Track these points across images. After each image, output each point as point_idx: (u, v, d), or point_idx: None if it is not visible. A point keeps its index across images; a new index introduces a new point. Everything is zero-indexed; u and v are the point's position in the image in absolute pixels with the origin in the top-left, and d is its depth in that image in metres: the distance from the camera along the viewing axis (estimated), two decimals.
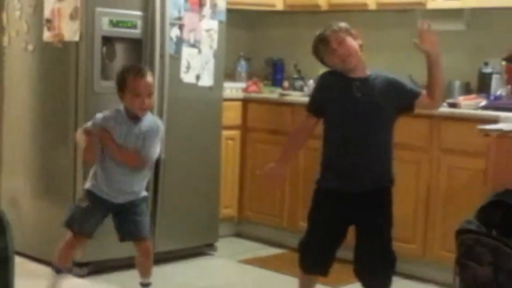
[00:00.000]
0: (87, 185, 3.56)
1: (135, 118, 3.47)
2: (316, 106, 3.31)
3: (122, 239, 3.58)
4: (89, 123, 3.52)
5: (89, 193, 3.53)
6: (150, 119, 3.56)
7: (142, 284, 3.59)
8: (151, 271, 3.60)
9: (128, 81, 3.45)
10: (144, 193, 3.64)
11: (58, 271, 3.53)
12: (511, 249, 2.52)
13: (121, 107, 3.50)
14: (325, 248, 3.38)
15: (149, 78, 3.49)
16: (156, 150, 3.57)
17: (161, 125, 3.63)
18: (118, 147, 3.44)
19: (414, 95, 3.24)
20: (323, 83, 3.37)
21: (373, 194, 3.25)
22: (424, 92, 3.22)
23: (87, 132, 3.45)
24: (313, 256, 3.44)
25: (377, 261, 3.27)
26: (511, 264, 2.53)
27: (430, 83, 3.21)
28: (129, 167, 3.48)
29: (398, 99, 3.23)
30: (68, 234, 3.52)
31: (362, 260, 3.28)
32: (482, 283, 2.62)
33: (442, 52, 3.19)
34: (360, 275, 3.28)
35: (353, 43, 3.27)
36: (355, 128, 3.22)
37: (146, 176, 3.62)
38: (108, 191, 3.49)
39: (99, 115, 3.50)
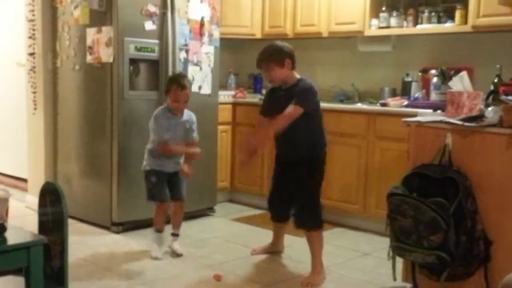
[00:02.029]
0: (146, 168, 3.59)
1: (176, 113, 3.56)
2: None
3: (172, 198, 3.62)
4: (151, 136, 3.58)
5: (151, 171, 3.56)
6: (186, 113, 3.62)
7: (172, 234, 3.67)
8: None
9: (171, 89, 3.50)
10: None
11: (158, 231, 3.60)
12: (426, 206, 2.53)
13: (165, 104, 3.61)
14: (278, 200, 3.43)
15: (187, 90, 3.53)
16: (196, 133, 3.66)
17: (194, 117, 3.67)
18: (182, 148, 3.56)
19: (302, 98, 3.13)
20: (266, 95, 3.47)
21: (296, 162, 3.24)
22: (294, 107, 3.10)
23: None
24: (273, 207, 3.49)
25: (301, 210, 3.27)
26: (426, 217, 2.54)
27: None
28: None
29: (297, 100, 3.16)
30: (155, 205, 3.59)
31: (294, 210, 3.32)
32: (406, 231, 2.63)
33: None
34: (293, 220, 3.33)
35: (277, 73, 3.17)
36: None
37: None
38: (163, 162, 3.53)
39: (154, 125, 3.54)
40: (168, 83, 3.61)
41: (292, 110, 3.11)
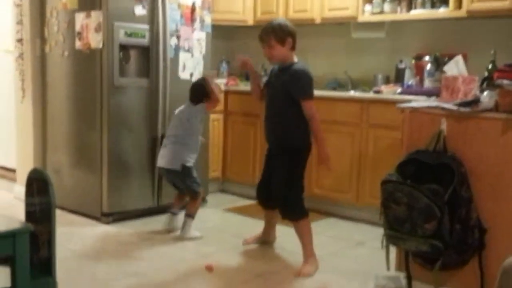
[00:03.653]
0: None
1: None
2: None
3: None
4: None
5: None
6: None
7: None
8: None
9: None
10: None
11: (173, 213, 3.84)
12: (420, 193, 2.50)
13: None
14: (264, 189, 3.39)
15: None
16: None
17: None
18: None
19: (298, 96, 3.12)
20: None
21: (278, 152, 3.23)
22: (304, 102, 3.11)
23: None
24: (260, 195, 3.47)
25: (282, 201, 3.24)
26: (420, 204, 2.50)
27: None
28: None
29: (291, 90, 3.14)
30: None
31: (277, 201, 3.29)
32: (400, 219, 2.60)
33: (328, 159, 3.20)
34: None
35: (276, 50, 3.12)
36: (268, 104, 3.27)
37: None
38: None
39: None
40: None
41: (310, 110, 3.11)
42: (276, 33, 3.12)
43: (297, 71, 3.14)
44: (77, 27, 4.01)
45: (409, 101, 3.48)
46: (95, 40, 3.89)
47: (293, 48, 3.18)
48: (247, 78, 5.27)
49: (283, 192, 3.20)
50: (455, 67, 2.82)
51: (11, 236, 2.00)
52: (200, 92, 3.74)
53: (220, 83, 4.99)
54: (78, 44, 4.03)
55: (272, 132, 3.26)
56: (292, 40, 3.15)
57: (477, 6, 3.78)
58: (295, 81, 3.12)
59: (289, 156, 3.19)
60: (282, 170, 3.20)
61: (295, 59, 3.21)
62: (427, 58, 4.12)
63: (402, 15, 4.24)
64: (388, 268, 2.82)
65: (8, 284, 2.02)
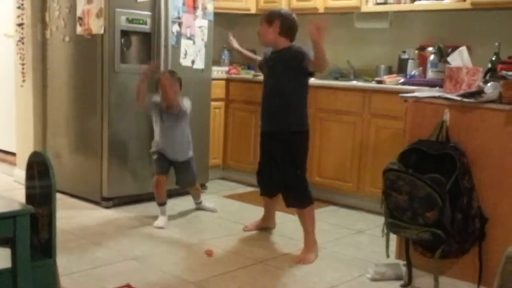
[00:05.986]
0: (153, 147, 3.77)
1: None
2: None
3: (177, 183, 3.89)
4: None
5: (155, 152, 3.74)
6: None
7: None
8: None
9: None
10: (189, 155, 3.80)
11: (160, 204, 3.71)
12: (422, 182, 2.49)
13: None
14: (266, 174, 3.38)
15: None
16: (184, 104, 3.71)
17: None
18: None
19: (305, 62, 3.07)
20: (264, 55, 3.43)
21: (280, 135, 3.20)
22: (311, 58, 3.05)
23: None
24: (260, 181, 3.47)
25: (286, 187, 3.24)
26: (422, 193, 2.50)
27: (314, 55, 3.02)
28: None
29: (297, 63, 3.11)
30: (154, 178, 3.74)
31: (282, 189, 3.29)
32: (401, 208, 2.59)
33: (323, 39, 2.93)
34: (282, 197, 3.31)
35: (263, 30, 3.17)
36: (268, 87, 3.26)
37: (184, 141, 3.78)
38: (165, 150, 3.71)
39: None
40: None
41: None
42: (266, 14, 3.22)
43: (297, 49, 3.15)
44: (78, 13, 3.98)
45: (412, 91, 3.47)
46: (96, 26, 3.86)
47: (283, 34, 3.14)
48: (249, 67, 5.25)
49: (290, 180, 3.20)
50: (459, 58, 2.80)
51: (11, 217, 1.99)
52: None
53: (222, 70, 4.98)
54: (79, 29, 4.00)
55: (273, 116, 3.23)
56: (281, 25, 3.13)
57: None
58: (299, 55, 3.10)
59: (295, 142, 3.19)
60: (290, 156, 3.19)
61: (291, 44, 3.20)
62: (430, 49, 4.09)
63: (406, 5, 4.21)
64: (388, 256, 2.82)
65: (9, 265, 2.01)
